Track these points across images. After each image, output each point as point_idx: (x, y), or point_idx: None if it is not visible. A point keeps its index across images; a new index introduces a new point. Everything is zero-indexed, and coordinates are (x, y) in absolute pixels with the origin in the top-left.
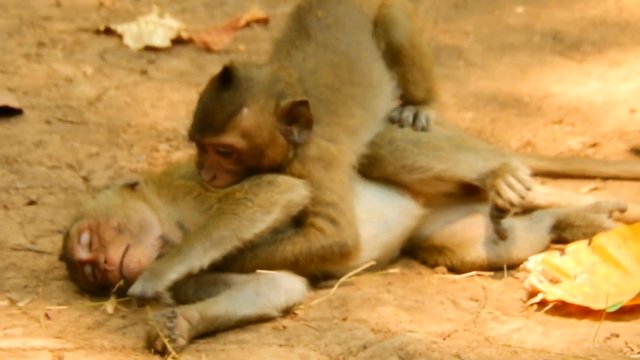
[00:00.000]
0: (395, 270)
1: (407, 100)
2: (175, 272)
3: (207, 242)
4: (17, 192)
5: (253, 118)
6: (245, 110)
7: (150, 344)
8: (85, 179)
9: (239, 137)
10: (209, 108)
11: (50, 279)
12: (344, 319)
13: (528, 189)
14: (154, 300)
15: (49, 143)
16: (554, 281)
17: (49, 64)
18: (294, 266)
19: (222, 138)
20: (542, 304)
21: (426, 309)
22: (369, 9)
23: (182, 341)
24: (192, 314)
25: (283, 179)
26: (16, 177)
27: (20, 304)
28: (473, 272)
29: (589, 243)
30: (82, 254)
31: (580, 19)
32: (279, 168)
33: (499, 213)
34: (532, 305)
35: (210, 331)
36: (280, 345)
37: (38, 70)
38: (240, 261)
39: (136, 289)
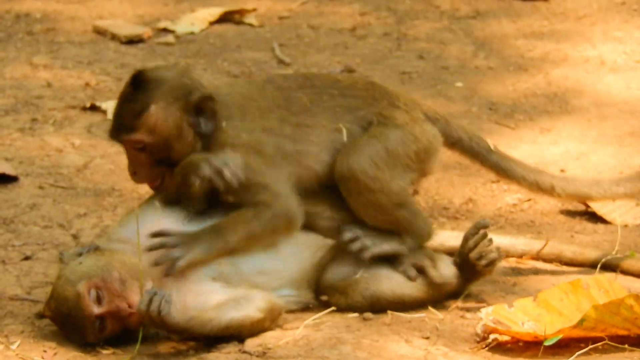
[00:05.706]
0: (354, 315)
1: None
2: None
3: None
4: (14, 249)
5: (161, 114)
6: (152, 107)
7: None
8: (75, 237)
9: (147, 133)
10: (122, 108)
11: (45, 325)
12: (308, 356)
13: None
14: None
15: (42, 205)
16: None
17: (41, 137)
18: (249, 241)
19: (133, 135)
20: (484, 339)
21: (381, 346)
22: None
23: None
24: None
25: None
26: (13, 235)
27: (14, 347)
28: (423, 314)
29: (534, 299)
30: (96, 309)
31: (513, 91)
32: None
33: None
34: (480, 342)
35: (197, 335)
36: None
37: (32, 142)
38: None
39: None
